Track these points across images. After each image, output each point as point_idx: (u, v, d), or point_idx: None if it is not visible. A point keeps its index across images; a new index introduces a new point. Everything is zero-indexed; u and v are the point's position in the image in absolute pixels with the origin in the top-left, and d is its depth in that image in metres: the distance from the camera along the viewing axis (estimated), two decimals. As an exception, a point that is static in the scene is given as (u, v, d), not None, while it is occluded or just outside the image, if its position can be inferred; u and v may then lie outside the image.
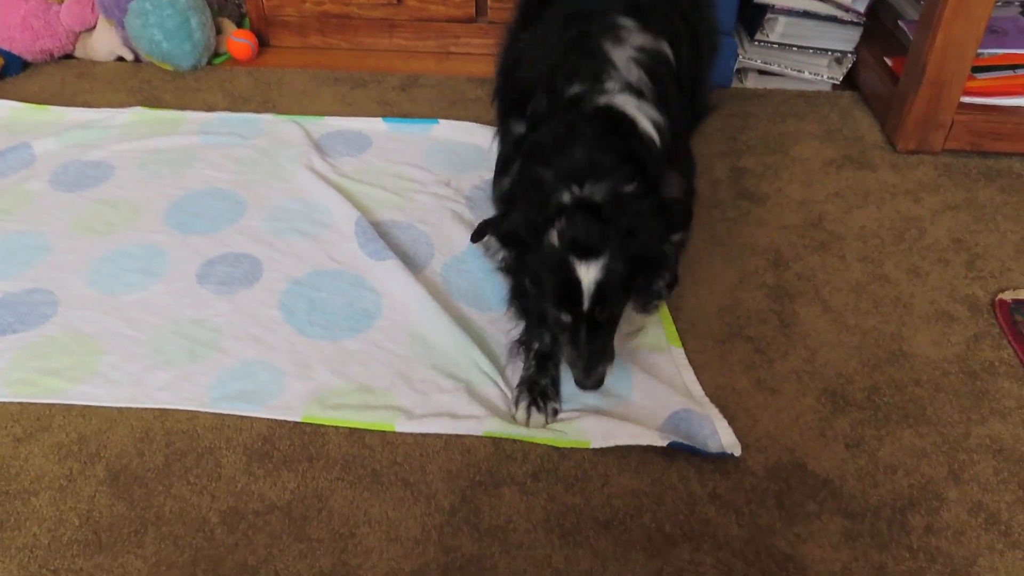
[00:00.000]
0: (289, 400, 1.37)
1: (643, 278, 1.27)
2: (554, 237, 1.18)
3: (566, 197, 1.20)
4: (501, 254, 1.32)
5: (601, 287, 1.18)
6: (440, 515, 1.20)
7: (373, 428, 1.33)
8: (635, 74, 1.33)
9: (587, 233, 1.17)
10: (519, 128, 1.39)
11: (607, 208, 1.18)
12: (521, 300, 1.38)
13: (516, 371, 1.40)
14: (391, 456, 1.29)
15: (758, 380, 1.42)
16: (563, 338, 1.28)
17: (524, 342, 1.41)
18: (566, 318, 1.23)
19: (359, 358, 1.45)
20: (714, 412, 1.34)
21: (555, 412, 1.32)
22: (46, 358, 1.46)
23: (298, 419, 1.34)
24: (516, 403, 1.33)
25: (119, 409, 1.37)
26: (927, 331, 1.51)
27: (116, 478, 1.26)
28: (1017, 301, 1.57)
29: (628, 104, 1.30)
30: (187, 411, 1.36)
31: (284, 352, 1.46)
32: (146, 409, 1.37)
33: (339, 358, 1.45)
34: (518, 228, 1.23)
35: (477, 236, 1.30)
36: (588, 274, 1.17)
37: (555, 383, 1.36)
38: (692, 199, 1.48)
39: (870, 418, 1.35)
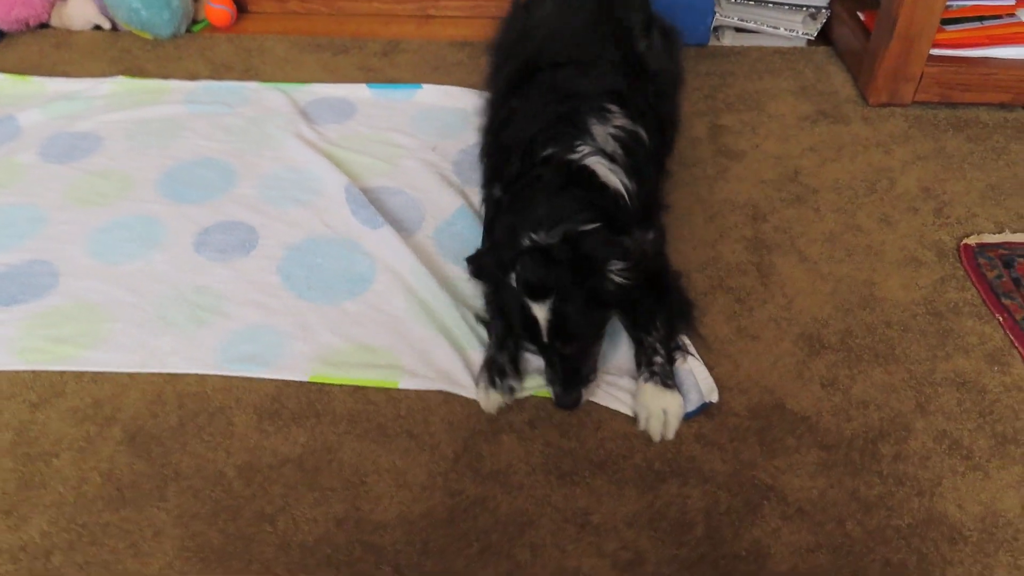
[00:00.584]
0: (295, 361, 1.43)
1: (609, 309, 1.32)
2: (513, 279, 1.28)
3: (525, 242, 1.29)
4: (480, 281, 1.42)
5: (556, 324, 1.26)
6: (444, 462, 1.28)
7: (378, 385, 1.39)
8: (611, 146, 1.44)
9: (536, 276, 1.25)
10: (497, 192, 1.48)
11: (557, 250, 1.26)
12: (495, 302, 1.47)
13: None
14: (395, 410, 1.36)
15: (739, 328, 1.50)
16: (543, 359, 1.35)
17: (486, 322, 1.47)
18: (532, 349, 1.33)
19: (358, 320, 1.51)
20: (694, 363, 1.41)
21: (511, 389, 1.34)
22: (54, 326, 1.50)
23: (305, 379, 1.40)
24: (476, 382, 1.36)
25: (129, 374, 1.43)
26: (897, 276, 1.60)
27: (133, 438, 1.32)
28: (981, 245, 1.66)
29: (598, 165, 1.40)
30: (196, 374, 1.42)
31: (286, 316, 1.52)
32: (156, 373, 1.42)
33: (339, 320, 1.51)
34: (488, 267, 1.34)
35: (467, 262, 1.42)
36: (541, 313, 1.26)
37: (513, 360, 1.38)
38: (662, 261, 1.53)
39: (843, 359, 1.44)
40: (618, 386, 1.38)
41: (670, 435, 1.30)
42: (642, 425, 1.31)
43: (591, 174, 1.39)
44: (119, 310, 1.53)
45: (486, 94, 1.80)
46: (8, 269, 1.62)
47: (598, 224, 1.30)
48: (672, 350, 1.41)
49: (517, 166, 1.45)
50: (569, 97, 1.49)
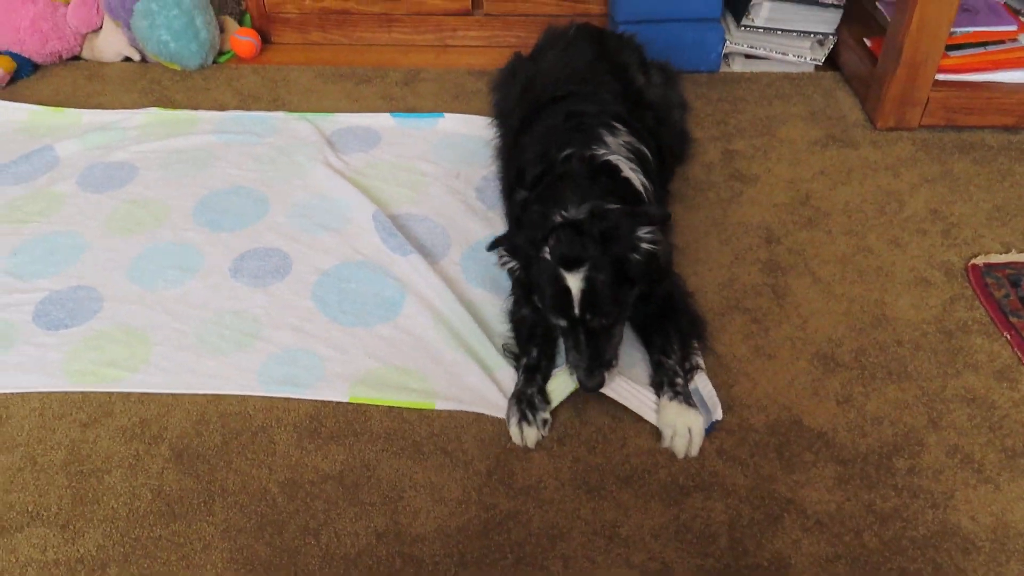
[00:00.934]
0: (333, 382, 1.50)
1: (634, 286, 1.37)
2: (547, 253, 1.34)
3: (556, 219, 1.37)
4: (511, 264, 1.45)
5: (587, 294, 1.32)
6: (478, 478, 1.34)
7: (415, 407, 1.46)
8: (624, 152, 1.53)
9: (570, 246, 1.32)
10: (521, 194, 1.55)
11: (587, 223, 1.34)
12: (517, 314, 1.54)
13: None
14: (429, 429, 1.42)
15: (756, 347, 1.56)
16: (567, 344, 1.41)
17: (514, 355, 1.52)
18: (563, 323, 1.38)
19: (392, 343, 1.58)
20: (701, 381, 1.46)
21: (545, 422, 1.39)
22: (101, 350, 1.57)
23: (345, 399, 1.47)
24: (508, 419, 1.40)
25: (174, 395, 1.49)
26: (907, 296, 1.66)
27: (180, 456, 1.39)
28: (988, 265, 1.71)
29: (620, 161, 1.49)
30: (237, 395, 1.49)
31: (322, 339, 1.58)
32: (199, 394, 1.49)
33: (373, 343, 1.57)
34: (522, 243, 1.39)
35: (492, 246, 1.45)
36: (575, 283, 1.32)
37: (542, 391, 1.43)
38: (673, 279, 1.60)
39: (857, 376, 1.50)
40: (644, 393, 1.44)
41: (694, 452, 1.36)
42: (667, 442, 1.37)
43: (614, 168, 1.47)
44: (162, 334, 1.60)
45: (495, 124, 1.94)
46: (53, 295, 1.69)
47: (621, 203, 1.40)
48: (688, 370, 1.47)
49: (538, 169, 1.52)
50: (576, 115, 1.59)
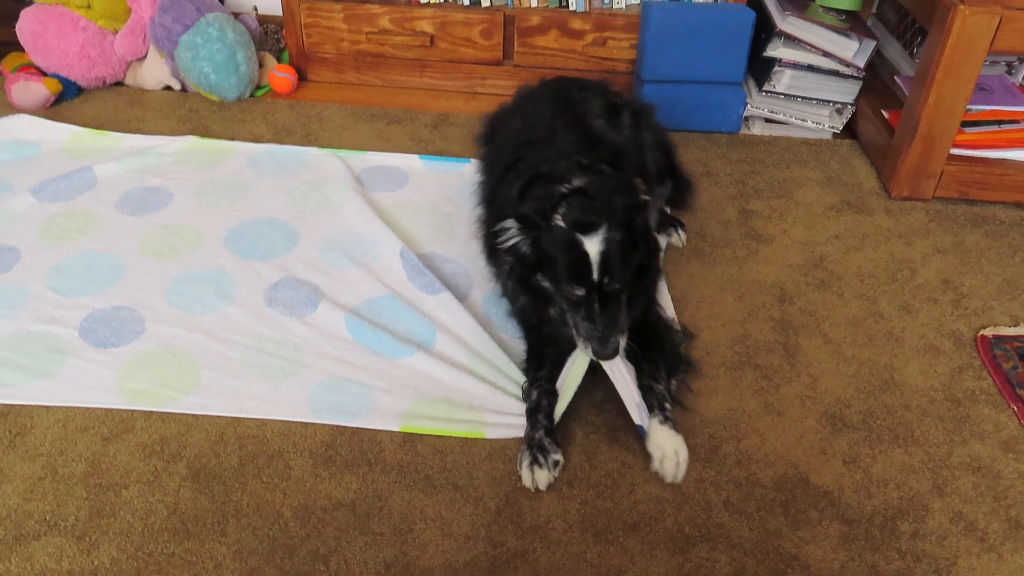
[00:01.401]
0: (384, 412, 1.53)
1: (637, 249, 1.44)
2: (560, 220, 1.40)
3: (563, 189, 1.44)
4: (516, 240, 1.46)
5: (605, 257, 1.38)
6: (487, 515, 1.36)
7: (466, 436, 1.49)
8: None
9: (584, 211, 1.39)
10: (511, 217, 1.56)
11: (591, 187, 1.42)
12: (523, 317, 1.61)
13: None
14: (441, 463, 1.45)
15: (766, 403, 1.59)
16: (578, 318, 1.44)
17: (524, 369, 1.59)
18: (580, 291, 1.41)
19: (433, 375, 1.60)
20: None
21: (556, 464, 1.40)
22: (152, 370, 1.61)
23: (396, 429, 1.50)
24: (519, 463, 1.42)
25: (194, 415, 1.53)
26: (916, 362, 1.69)
27: (197, 475, 1.42)
28: (997, 337, 1.75)
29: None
30: (256, 419, 1.52)
31: (366, 369, 1.62)
32: (219, 416, 1.53)
33: (415, 374, 1.61)
34: (531, 212, 1.43)
35: (496, 222, 1.51)
36: (593, 247, 1.38)
37: (549, 433, 1.44)
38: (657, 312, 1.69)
39: (865, 438, 1.52)
40: (633, 387, 1.49)
41: (680, 477, 1.41)
42: (656, 465, 1.41)
43: (600, 169, 1.54)
44: (208, 358, 1.64)
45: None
46: (96, 312, 1.74)
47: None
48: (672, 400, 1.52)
49: (517, 188, 1.56)
50: (541, 162, 1.60)
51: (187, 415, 1.53)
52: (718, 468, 1.45)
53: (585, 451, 1.47)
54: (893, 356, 1.70)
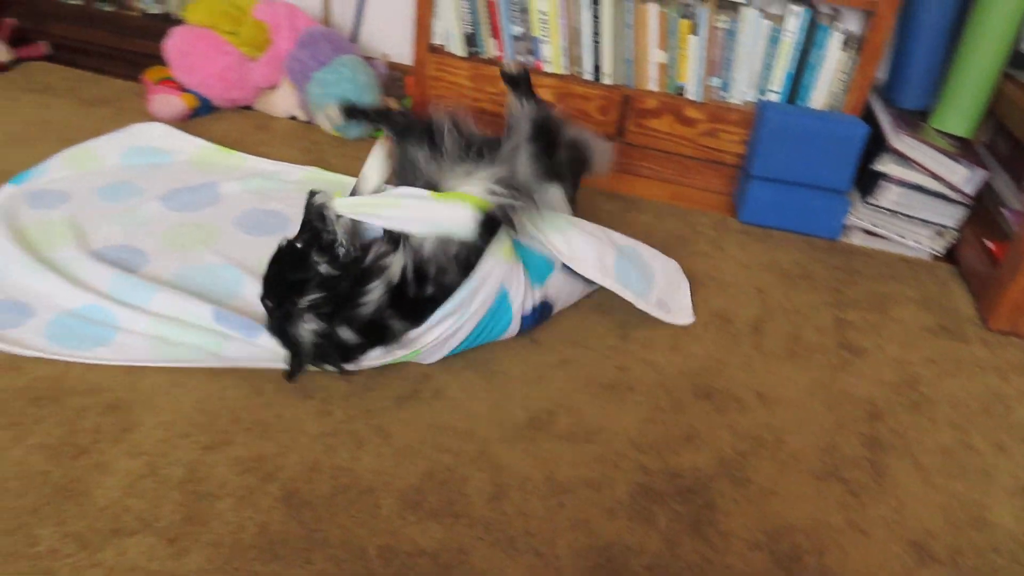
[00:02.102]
0: None
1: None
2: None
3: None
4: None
5: None
6: (565, 587, 1.37)
7: None
8: None
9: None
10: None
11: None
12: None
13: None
14: (524, 526, 1.47)
15: (850, 520, 1.57)
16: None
17: None
18: None
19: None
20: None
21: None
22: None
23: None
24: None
25: (291, 436, 1.58)
26: (1009, 504, 1.65)
27: (289, 498, 1.46)
28: (1094, 491, 1.70)
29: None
30: (350, 452, 1.57)
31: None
32: (316, 442, 1.58)
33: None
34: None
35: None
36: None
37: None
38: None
39: (951, 575, 1.49)
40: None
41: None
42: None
43: None
44: None
45: None
46: (223, 310, 1.82)
47: None
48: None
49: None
50: None
51: (285, 435, 1.58)
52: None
53: (667, 540, 1.47)
54: (984, 493, 1.67)
